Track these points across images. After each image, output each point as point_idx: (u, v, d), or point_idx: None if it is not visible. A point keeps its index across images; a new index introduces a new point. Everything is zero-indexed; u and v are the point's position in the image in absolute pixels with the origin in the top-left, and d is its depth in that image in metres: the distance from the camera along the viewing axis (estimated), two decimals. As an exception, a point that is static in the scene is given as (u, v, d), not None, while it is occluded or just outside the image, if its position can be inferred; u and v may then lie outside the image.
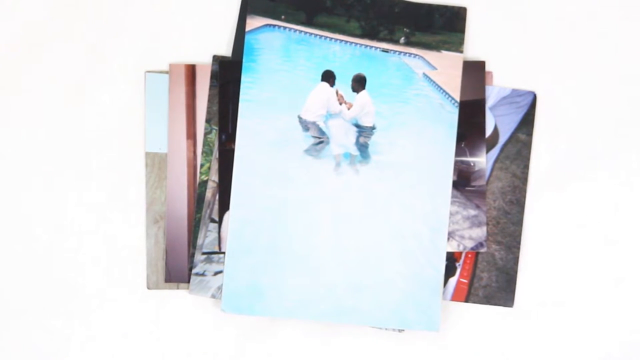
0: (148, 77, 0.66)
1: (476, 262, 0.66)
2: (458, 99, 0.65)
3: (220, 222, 0.65)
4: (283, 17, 0.65)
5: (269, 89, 0.65)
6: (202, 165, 0.66)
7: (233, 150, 0.65)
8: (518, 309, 0.66)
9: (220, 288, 0.65)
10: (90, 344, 0.67)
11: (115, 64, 0.66)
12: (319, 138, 0.65)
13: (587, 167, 0.67)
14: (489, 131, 0.66)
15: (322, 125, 0.65)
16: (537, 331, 0.67)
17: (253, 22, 0.65)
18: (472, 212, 0.66)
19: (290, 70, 0.65)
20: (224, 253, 0.65)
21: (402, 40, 0.65)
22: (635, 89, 0.67)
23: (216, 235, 0.65)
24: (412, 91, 0.65)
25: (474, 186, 0.66)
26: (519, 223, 0.66)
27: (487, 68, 0.66)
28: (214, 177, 0.66)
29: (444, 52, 0.65)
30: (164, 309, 0.66)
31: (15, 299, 0.67)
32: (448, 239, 0.65)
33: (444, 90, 0.65)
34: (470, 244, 0.66)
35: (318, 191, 0.65)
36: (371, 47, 0.65)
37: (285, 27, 0.65)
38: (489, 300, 0.66)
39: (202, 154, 0.66)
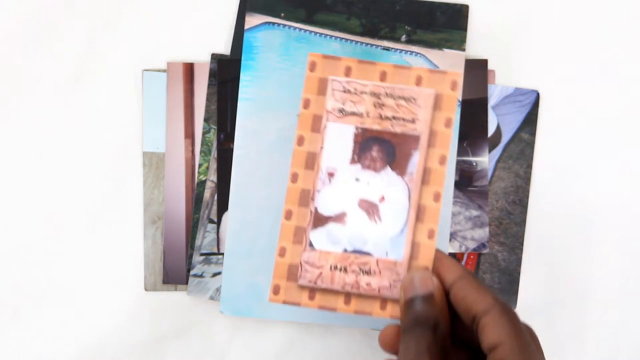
0: (145, 76, 0.66)
1: (478, 263, 0.66)
2: (460, 98, 0.65)
3: (218, 223, 0.65)
4: (282, 14, 0.65)
5: (268, 87, 0.64)
6: (200, 165, 0.65)
7: (232, 150, 0.64)
8: (521, 310, 0.66)
9: (218, 289, 0.65)
10: (87, 345, 0.66)
11: (112, 62, 0.66)
12: (319, 137, 0.65)
13: (590, 166, 0.66)
14: (491, 130, 0.66)
15: (322, 124, 0.65)
16: (539, 333, 0.66)
17: (252, 20, 0.64)
18: (475, 212, 0.65)
19: (289, 68, 0.64)
20: (222, 254, 0.65)
21: (403, 38, 0.65)
22: (639, 88, 0.67)
23: (215, 236, 0.65)
24: (414, 90, 0.65)
25: (476, 186, 0.65)
26: (522, 224, 0.66)
27: (490, 66, 0.66)
28: (213, 177, 0.65)
29: (446, 50, 0.65)
30: (162, 311, 0.66)
31: (11, 300, 0.66)
32: (450, 239, 0.65)
33: (445, 89, 0.65)
34: (472, 245, 0.65)
35: (318, 191, 0.64)
36: (372, 45, 0.65)
37: (284, 25, 0.65)
38: (491, 302, 0.65)
39: (200, 153, 0.65)
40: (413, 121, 0.57)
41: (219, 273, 0.65)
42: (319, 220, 0.57)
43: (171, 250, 0.65)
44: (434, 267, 0.54)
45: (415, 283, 0.53)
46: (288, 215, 0.58)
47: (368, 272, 0.56)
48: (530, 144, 0.66)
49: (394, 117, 0.57)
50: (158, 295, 0.66)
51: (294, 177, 0.57)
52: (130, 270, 0.66)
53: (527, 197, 0.66)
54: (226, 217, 0.64)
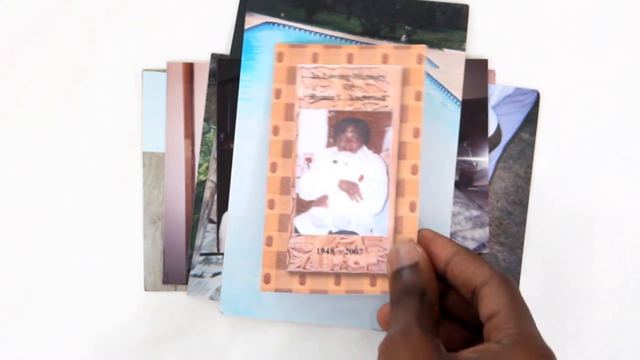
0: (145, 76, 0.66)
1: (478, 263, 0.65)
2: (460, 98, 0.64)
3: (218, 223, 0.65)
4: (282, 14, 0.65)
5: (268, 87, 0.64)
6: (200, 165, 0.65)
7: (232, 150, 0.64)
8: (521, 310, 0.66)
9: (218, 290, 0.64)
10: (87, 346, 0.66)
11: (112, 62, 0.66)
12: (319, 137, 0.64)
13: (590, 166, 0.66)
14: (491, 130, 0.66)
15: (322, 124, 0.65)
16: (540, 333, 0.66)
17: (252, 20, 0.64)
18: (475, 212, 0.65)
19: (289, 68, 0.64)
20: (222, 254, 0.64)
21: (403, 38, 0.65)
22: (639, 88, 0.67)
23: (214, 236, 0.65)
24: (414, 90, 0.65)
25: (476, 186, 0.65)
26: (522, 224, 0.66)
27: (490, 66, 0.66)
28: (213, 177, 0.65)
29: (446, 50, 0.65)
30: (162, 311, 0.66)
31: (10, 301, 0.66)
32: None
33: (445, 89, 0.64)
34: (472, 245, 0.65)
35: (318, 191, 0.64)
36: (372, 45, 0.65)
37: (284, 25, 0.64)
38: (491, 302, 0.65)
39: (200, 153, 0.65)
40: (383, 98, 0.58)
41: (219, 273, 0.65)
42: (302, 205, 0.58)
43: (171, 250, 0.65)
44: (428, 247, 0.54)
45: (401, 255, 0.53)
46: (271, 204, 0.59)
47: (355, 251, 0.57)
48: (530, 144, 0.66)
49: (364, 97, 0.58)
50: (158, 295, 0.66)
51: (273, 167, 0.58)
52: (130, 270, 0.66)
53: (527, 197, 0.66)
54: (226, 217, 0.64)
